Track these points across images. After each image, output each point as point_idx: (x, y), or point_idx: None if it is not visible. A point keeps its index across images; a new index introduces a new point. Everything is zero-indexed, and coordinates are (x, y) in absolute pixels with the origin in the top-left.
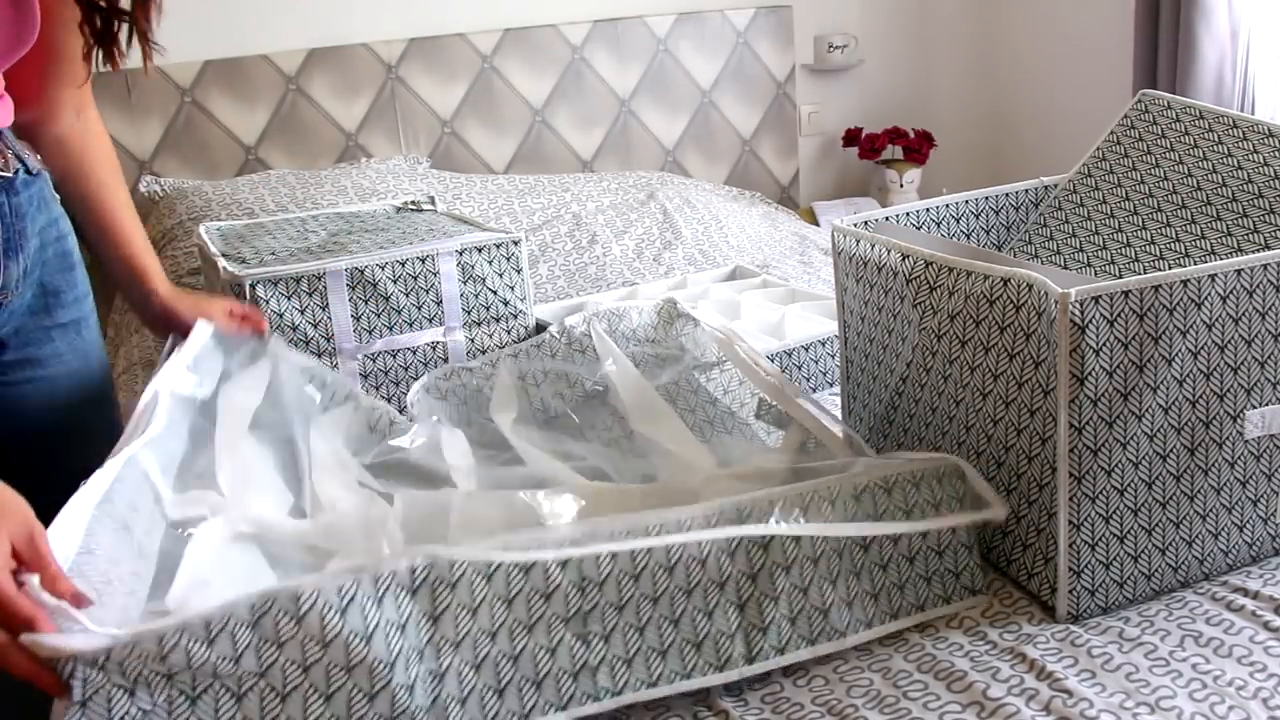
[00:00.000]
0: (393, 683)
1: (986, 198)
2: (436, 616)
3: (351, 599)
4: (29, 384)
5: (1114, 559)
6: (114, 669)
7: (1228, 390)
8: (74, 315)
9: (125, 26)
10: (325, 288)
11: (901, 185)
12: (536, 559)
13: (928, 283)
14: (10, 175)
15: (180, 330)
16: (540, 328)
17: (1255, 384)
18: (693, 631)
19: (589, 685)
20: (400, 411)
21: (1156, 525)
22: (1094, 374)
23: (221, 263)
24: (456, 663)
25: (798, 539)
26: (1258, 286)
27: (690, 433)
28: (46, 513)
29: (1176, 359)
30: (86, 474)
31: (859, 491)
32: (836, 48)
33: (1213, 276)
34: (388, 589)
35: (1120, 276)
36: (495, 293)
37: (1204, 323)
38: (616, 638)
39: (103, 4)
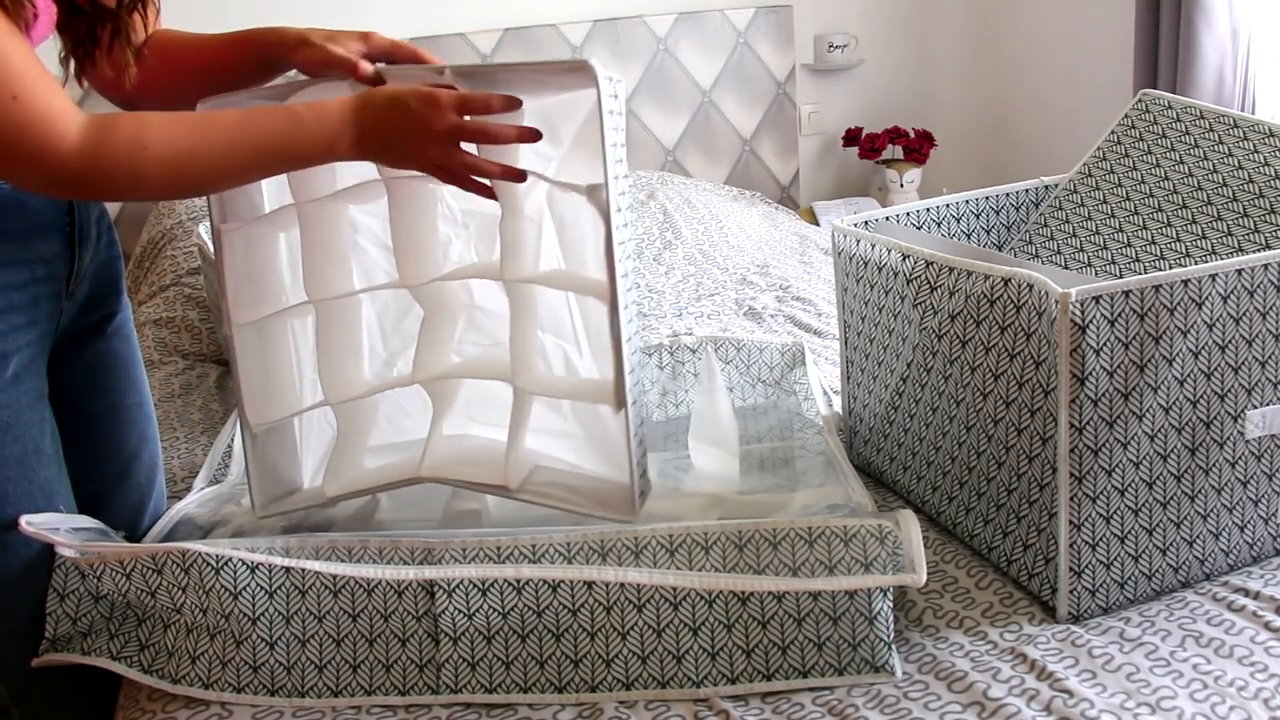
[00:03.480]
0: (254, 636)
1: (986, 198)
2: (304, 591)
3: (226, 561)
4: (83, 372)
5: (1115, 559)
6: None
7: (1229, 390)
8: (122, 305)
9: (109, 31)
10: None
11: (901, 185)
12: (396, 571)
13: (928, 283)
14: None
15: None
16: None
17: (1256, 384)
18: (539, 650)
19: (432, 679)
20: None
21: (1157, 525)
22: (1094, 374)
23: None
24: (320, 634)
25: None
26: (1259, 286)
27: (736, 463)
28: (91, 501)
29: (1177, 359)
30: (129, 460)
31: (743, 540)
32: (836, 48)
33: (1213, 276)
34: (260, 562)
35: (1121, 276)
36: None
37: (1205, 322)
38: (464, 641)
39: (85, 7)
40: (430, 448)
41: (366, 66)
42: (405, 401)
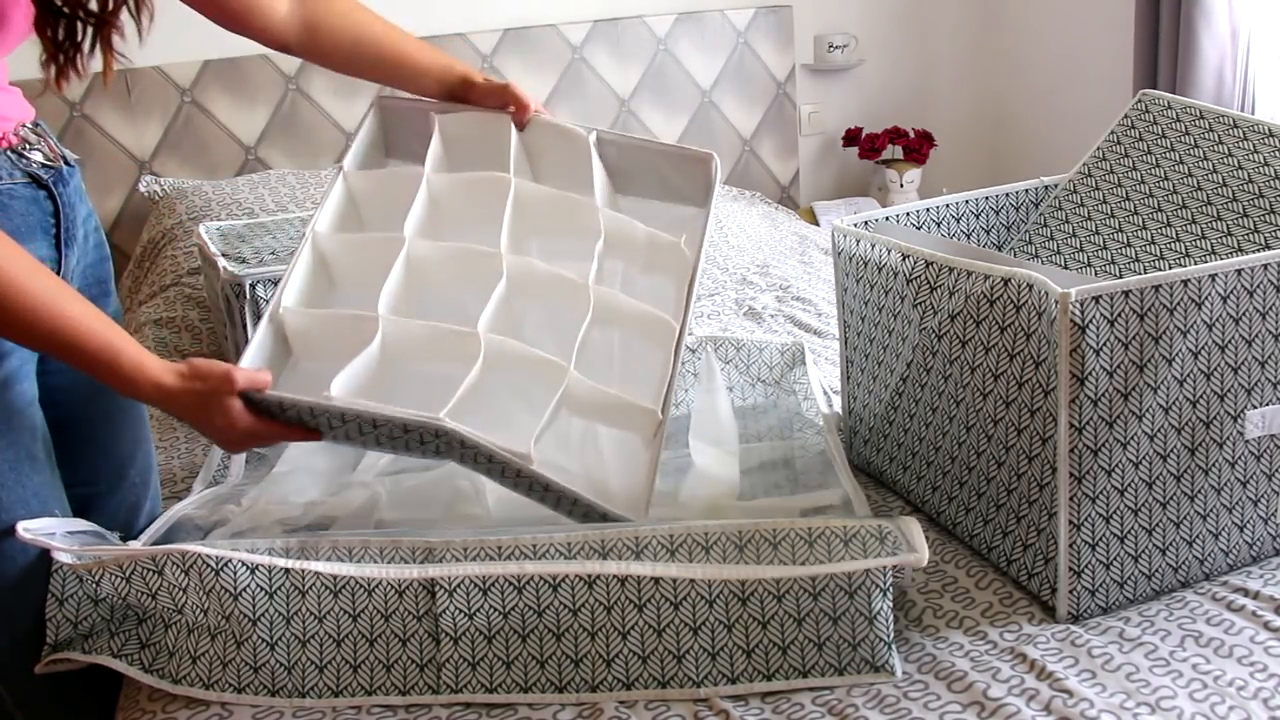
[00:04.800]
0: (255, 637)
1: (986, 198)
2: (304, 591)
3: (226, 562)
4: (74, 374)
5: (1114, 559)
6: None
7: (1228, 390)
8: (114, 306)
9: (90, 33)
10: None
11: (901, 185)
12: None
13: (928, 283)
14: (59, 166)
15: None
16: None
17: (1256, 384)
18: (539, 650)
19: (433, 679)
20: None
21: (1157, 525)
22: (1094, 374)
23: (221, 262)
24: (320, 634)
25: (656, 579)
26: (1258, 286)
27: (735, 462)
28: (85, 503)
29: (1177, 359)
30: (124, 462)
31: (743, 540)
32: (836, 48)
33: (1213, 276)
34: (260, 563)
35: (1120, 276)
36: None
37: (1204, 322)
38: (465, 641)
39: (65, 8)
40: (460, 396)
41: (533, 110)
42: (430, 366)
